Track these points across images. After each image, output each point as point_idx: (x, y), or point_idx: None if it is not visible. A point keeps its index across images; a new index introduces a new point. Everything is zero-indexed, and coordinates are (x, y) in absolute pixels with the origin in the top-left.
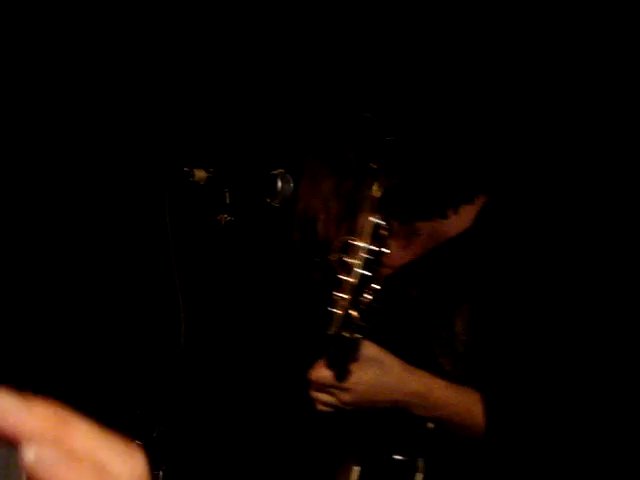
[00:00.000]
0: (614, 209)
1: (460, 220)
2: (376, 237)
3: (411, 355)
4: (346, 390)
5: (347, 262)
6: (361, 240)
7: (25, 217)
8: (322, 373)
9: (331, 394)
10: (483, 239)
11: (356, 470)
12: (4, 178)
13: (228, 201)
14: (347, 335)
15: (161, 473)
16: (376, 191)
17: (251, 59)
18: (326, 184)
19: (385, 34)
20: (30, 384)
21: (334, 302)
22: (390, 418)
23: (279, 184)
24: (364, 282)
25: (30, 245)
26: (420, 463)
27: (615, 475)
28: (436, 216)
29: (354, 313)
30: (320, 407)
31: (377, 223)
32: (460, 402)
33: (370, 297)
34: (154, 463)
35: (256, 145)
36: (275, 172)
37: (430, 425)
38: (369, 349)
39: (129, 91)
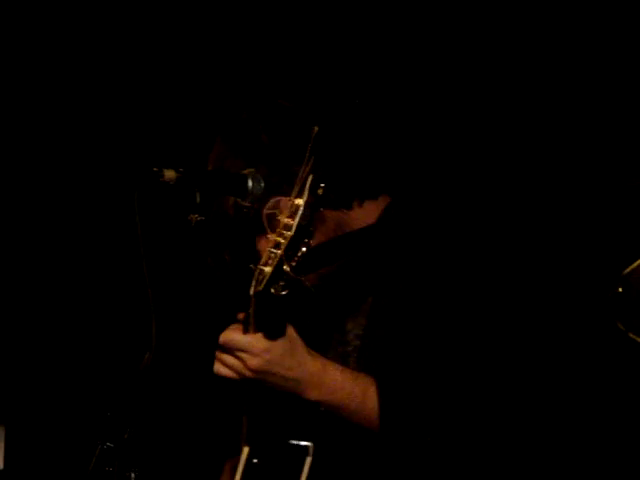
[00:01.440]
0: (511, 213)
1: (363, 214)
2: (314, 193)
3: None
4: (255, 355)
5: (280, 219)
6: (299, 197)
7: None
8: (236, 336)
9: (238, 358)
10: (385, 239)
11: (245, 450)
12: None
13: (198, 201)
14: (274, 291)
15: (133, 475)
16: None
17: (218, 59)
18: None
19: (298, 21)
20: (6, 390)
21: (260, 259)
22: (283, 400)
23: (250, 184)
24: (300, 236)
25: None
26: (310, 447)
27: (507, 462)
28: (342, 206)
29: (287, 268)
30: (222, 370)
31: (315, 178)
32: (355, 386)
33: (304, 249)
34: (126, 465)
35: None
36: (245, 172)
37: (322, 408)
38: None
39: (98, 91)
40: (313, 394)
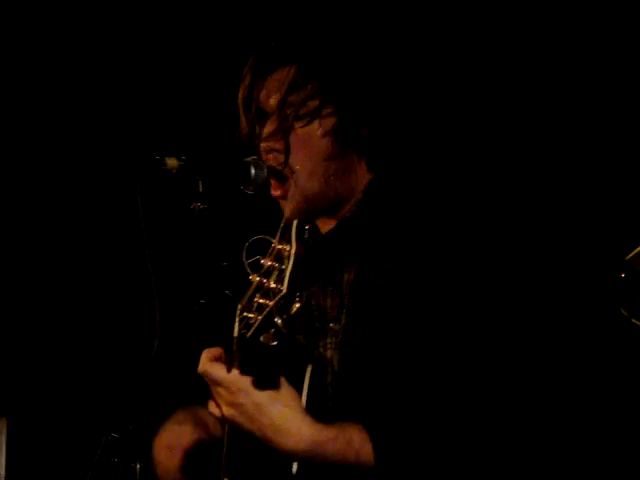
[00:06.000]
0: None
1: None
2: (301, 240)
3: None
4: (232, 393)
5: (263, 263)
6: (285, 243)
7: None
8: (216, 370)
9: (215, 393)
10: (368, 223)
11: None
12: None
13: (201, 189)
14: (263, 340)
15: (138, 466)
16: None
17: (221, 48)
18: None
19: None
20: (9, 382)
21: (251, 306)
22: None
23: (252, 171)
24: (293, 291)
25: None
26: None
27: None
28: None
29: (278, 321)
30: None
31: (301, 226)
32: (348, 450)
33: (298, 306)
34: (131, 456)
35: (229, 132)
36: (248, 159)
37: (294, 469)
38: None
39: (99, 81)
40: (300, 460)
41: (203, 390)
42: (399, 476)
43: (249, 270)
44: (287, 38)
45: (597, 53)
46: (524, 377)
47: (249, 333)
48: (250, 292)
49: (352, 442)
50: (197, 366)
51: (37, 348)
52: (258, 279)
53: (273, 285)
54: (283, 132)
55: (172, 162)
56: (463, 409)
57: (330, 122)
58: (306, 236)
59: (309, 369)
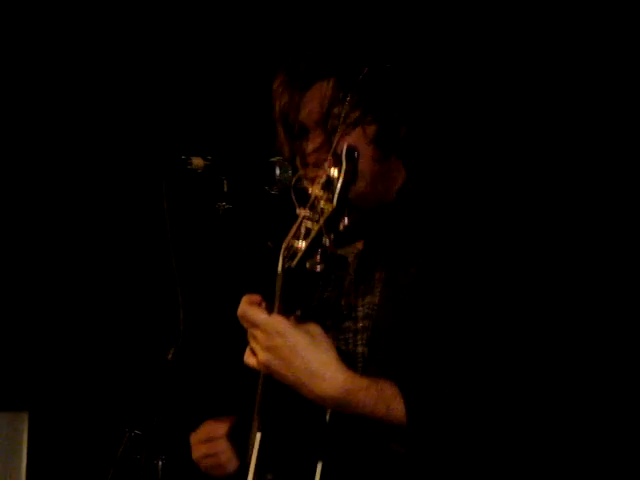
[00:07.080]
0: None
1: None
2: (351, 159)
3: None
4: (269, 335)
5: (311, 193)
6: (335, 166)
7: (22, 210)
8: (254, 311)
9: (252, 336)
10: (403, 219)
11: (258, 436)
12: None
13: (226, 189)
14: (309, 266)
15: (160, 463)
16: None
17: (247, 48)
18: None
19: None
20: (31, 376)
21: (297, 235)
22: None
23: (277, 172)
24: (341, 208)
25: (26, 237)
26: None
27: (527, 461)
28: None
29: (326, 242)
30: (249, 360)
31: (350, 146)
32: (378, 401)
33: (347, 222)
34: (153, 453)
35: (254, 132)
36: (273, 159)
37: (327, 417)
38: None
39: (125, 80)
40: (332, 407)
41: (226, 386)
42: (428, 435)
43: (296, 204)
44: (320, 52)
45: (605, 54)
46: (551, 362)
47: (294, 263)
48: (296, 224)
49: (384, 394)
50: (220, 364)
51: (59, 342)
52: (304, 210)
53: (322, 206)
54: (331, 144)
55: (198, 161)
56: (495, 382)
57: (372, 129)
58: (356, 157)
59: None
